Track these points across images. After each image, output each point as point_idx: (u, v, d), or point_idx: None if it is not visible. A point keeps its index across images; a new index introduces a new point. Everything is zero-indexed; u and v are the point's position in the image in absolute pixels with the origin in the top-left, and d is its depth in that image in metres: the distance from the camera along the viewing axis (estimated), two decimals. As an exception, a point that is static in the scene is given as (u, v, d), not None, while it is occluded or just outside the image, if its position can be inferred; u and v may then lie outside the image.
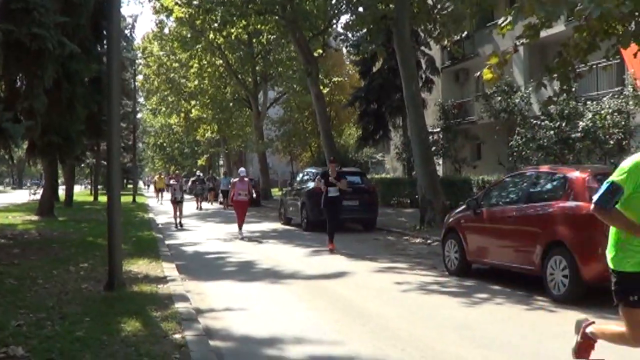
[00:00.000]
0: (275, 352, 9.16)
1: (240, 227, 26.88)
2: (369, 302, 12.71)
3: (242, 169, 29.66)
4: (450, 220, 16.67)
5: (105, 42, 21.79)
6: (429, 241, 23.13)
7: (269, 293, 13.91)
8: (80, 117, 23.60)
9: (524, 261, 13.45)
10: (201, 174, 67.00)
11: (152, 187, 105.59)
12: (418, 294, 13.72)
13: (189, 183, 68.02)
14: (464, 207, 16.07)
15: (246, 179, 28.30)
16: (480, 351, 9.02)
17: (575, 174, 12.91)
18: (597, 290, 12.70)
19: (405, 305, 12.46)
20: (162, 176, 70.74)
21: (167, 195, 60.17)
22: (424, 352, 9.00)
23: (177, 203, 32.61)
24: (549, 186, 13.72)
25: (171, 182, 35.54)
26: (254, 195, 31.21)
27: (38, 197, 44.60)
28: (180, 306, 11.35)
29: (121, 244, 13.87)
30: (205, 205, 53.49)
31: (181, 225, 32.33)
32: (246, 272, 17.19)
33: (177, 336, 9.31)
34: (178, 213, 32.60)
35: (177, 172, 35.94)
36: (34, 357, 8.11)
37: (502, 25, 15.56)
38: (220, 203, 53.33)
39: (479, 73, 17.36)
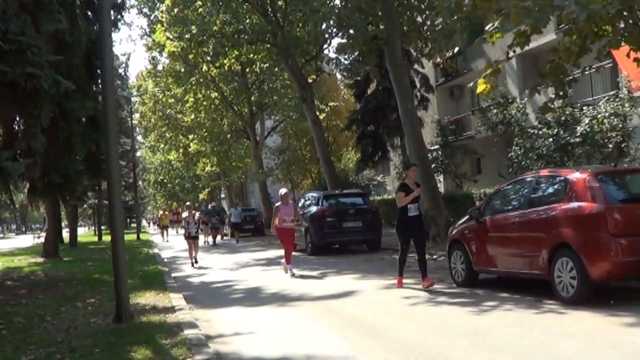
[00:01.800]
0: (287, 371, 9.14)
1: (288, 261, 21.93)
2: (378, 318, 12.68)
3: (283, 189, 24.57)
4: (454, 231, 16.68)
5: (99, 80, 21.85)
6: (434, 256, 23.08)
7: (277, 316, 13.85)
8: (79, 156, 23.62)
9: (531, 266, 13.42)
10: (216, 205, 66.64)
11: (153, 224, 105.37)
12: (427, 306, 13.69)
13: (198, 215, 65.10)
14: (467, 217, 16.08)
15: (291, 201, 24.72)
16: (493, 355, 8.98)
17: (575, 175, 12.90)
18: (605, 290, 12.72)
19: (415, 317, 12.43)
20: (167, 212, 66.86)
21: (171, 232, 60.32)
22: (436, 360, 8.97)
23: (192, 239, 28.64)
24: (550, 190, 13.71)
25: (184, 215, 30.77)
26: (302, 221, 25.87)
27: (42, 240, 44.57)
28: (189, 333, 11.31)
29: (127, 275, 13.83)
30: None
31: (197, 262, 28.48)
32: (254, 297, 17.12)
33: (188, 361, 9.28)
34: (194, 248, 28.74)
35: (188, 203, 33.91)
36: (46, 389, 8.09)
37: (490, 31, 15.61)
38: (232, 235, 50.41)
39: (472, 83, 17.41)
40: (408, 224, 16.58)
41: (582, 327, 10.32)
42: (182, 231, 31.84)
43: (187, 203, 33.30)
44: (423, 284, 16.00)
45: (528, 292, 13.66)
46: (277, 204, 23.14)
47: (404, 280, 16.97)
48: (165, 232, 60.20)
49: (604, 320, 10.69)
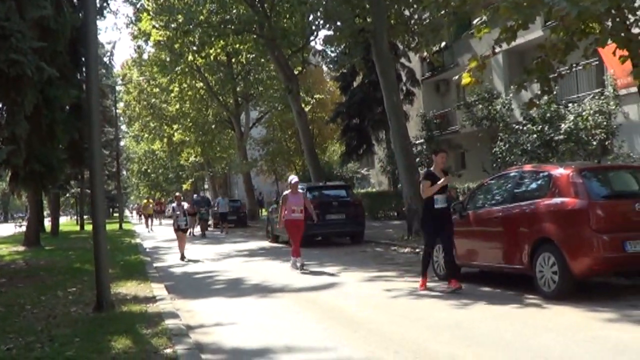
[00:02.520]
0: (266, 362, 9.11)
1: (297, 254, 20.43)
2: (359, 310, 12.68)
3: (293, 176, 22.53)
4: (438, 225, 16.64)
5: (84, 68, 21.73)
6: (417, 250, 23.07)
7: (258, 307, 13.82)
8: (62, 144, 23.53)
9: (513, 261, 13.43)
10: (205, 195, 65.83)
11: (136, 213, 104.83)
12: (408, 299, 13.68)
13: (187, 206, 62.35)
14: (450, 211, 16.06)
15: (301, 189, 22.17)
16: (474, 349, 8.98)
17: (559, 171, 12.92)
18: (587, 285, 12.76)
19: (396, 310, 12.44)
20: (151, 200, 65.62)
21: (155, 222, 60.02)
22: (417, 353, 8.95)
23: (182, 231, 26.59)
24: (533, 185, 13.72)
25: (173, 205, 28.92)
26: (313, 213, 22.05)
27: (24, 229, 44.40)
28: (170, 323, 11.27)
29: (108, 264, 13.76)
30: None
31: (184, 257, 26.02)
32: (235, 288, 17.08)
33: (168, 351, 9.26)
34: (184, 243, 26.64)
35: (178, 193, 31.99)
36: (24, 377, 8.05)
37: (478, 25, 15.62)
38: (216, 226, 49.20)
39: (457, 77, 17.40)
40: (434, 218, 14.62)
41: (563, 321, 10.33)
42: (166, 222, 31.46)
43: (177, 194, 31.24)
44: (449, 285, 14.15)
45: (510, 287, 13.68)
46: (285, 193, 21.65)
47: (387, 274, 17.00)
48: (149, 222, 58.46)
49: (585, 315, 10.71)
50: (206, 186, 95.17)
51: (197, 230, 43.43)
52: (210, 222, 48.99)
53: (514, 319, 10.92)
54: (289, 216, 20.70)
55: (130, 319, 11.78)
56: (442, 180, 14.42)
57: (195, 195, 61.00)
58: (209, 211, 46.87)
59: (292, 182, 21.18)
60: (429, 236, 14.88)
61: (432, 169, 14.92)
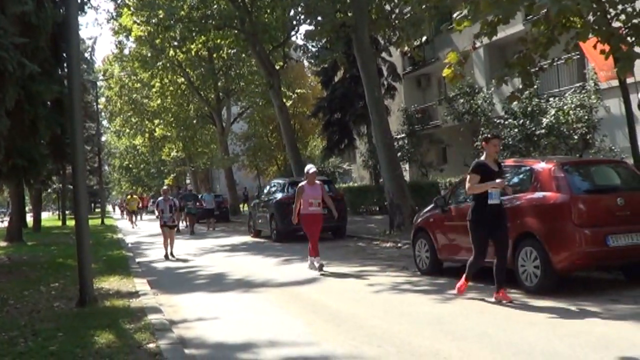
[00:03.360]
0: (250, 356, 9.10)
1: (316, 252, 18.37)
2: (342, 304, 12.70)
3: (312, 166, 19.63)
4: (420, 220, 16.67)
5: (65, 64, 21.66)
6: (399, 244, 23.18)
7: (241, 302, 13.83)
8: (44, 140, 23.48)
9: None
10: (192, 189, 64.70)
11: (119, 209, 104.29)
12: (391, 293, 13.73)
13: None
14: (432, 206, 16.09)
15: (318, 181, 19.22)
16: (457, 343, 9.01)
17: (541, 165, 12.96)
18: (568, 280, 12.82)
19: (379, 305, 12.46)
20: (135, 196, 62.10)
21: (141, 217, 59.66)
22: (400, 347, 8.98)
23: (168, 227, 24.93)
24: (515, 179, 13.70)
25: (159, 200, 26.62)
26: (333, 208, 19.11)
27: (5, 224, 44.26)
28: (153, 318, 11.29)
29: (90, 259, 13.74)
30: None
31: (173, 256, 24.62)
32: (218, 283, 17.10)
33: (151, 346, 9.27)
34: (169, 240, 24.86)
35: (165, 187, 29.69)
36: (8, 373, 8.05)
37: (458, 19, 15.68)
38: (200, 221, 45.82)
39: (442, 73, 17.48)
40: (487, 216, 11.93)
41: (545, 316, 10.38)
42: (147, 217, 30.86)
43: (165, 187, 28.91)
44: (496, 296, 11.92)
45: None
46: (301, 184, 19.02)
47: (370, 268, 17.04)
48: (134, 218, 56.15)
49: (567, 309, 10.76)
50: (188, 181, 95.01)
51: (182, 225, 41.91)
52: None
53: (497, 313, 10.96)
54: (306, 210, 18.32)
55: (114, 314, 11.80)
56: (497, 181, 11.79)
57: (181, 190, 59.83)
58: (195, 206, 43.35)
59: (310, 171, 18.74)
60: (482, 242, 12.13)
61: (482, 158, 12.25)
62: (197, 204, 43.91)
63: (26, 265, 21.59)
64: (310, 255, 18.49)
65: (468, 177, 12.12)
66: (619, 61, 15.20)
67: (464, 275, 12.62)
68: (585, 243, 11.73)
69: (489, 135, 12.48)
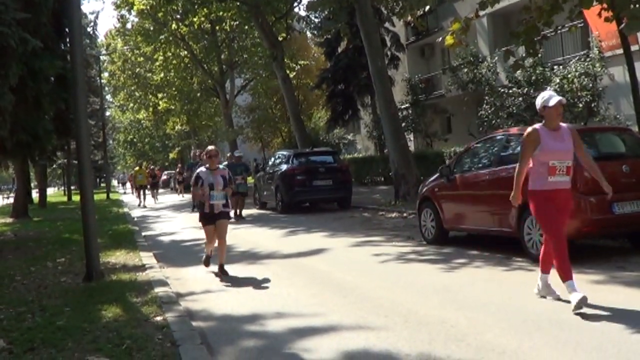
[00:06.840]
0: (257, 328, 9.10)
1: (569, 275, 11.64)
2: (348, 275, 12.72)
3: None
4: (425, 189, 16.67)
5: (68, 39, 21.60)
6: (404, 214, 23.17)
7: (247, 273, 13.82)
8: (48, 115, 23.45)
9: (501, 224, 13.48)
10: (241, 154, 62.75)
11: (122, 185, 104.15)
12: (397, 263, 13.74)
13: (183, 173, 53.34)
14: (437, 175, 16.08)
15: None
16: (464, 312, 9.01)
17: (545, 133, 12.90)
18: (574, 247, 12.80)
19: (385, 275, 12.48)
20: (142, 169, 48.74)
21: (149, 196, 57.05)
22: (407, 317, 8.98)
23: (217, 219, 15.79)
24: (520, 148, 13.69)
25: (200, 170, 13.06)
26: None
27: (11, 200, 44.29)
28: (159, 291, 11.32)
29: (96, 234, 13.77)
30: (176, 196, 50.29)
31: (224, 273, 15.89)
32: (224, 256, 17.13)
33: (159, 318, 9.29)
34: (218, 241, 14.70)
35: (212, 148, 18.40)
36: (17, 347, 8.05)
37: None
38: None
39: (440, 38, 17.39)
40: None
41: (551, 284, 10.37)
42: (162, 197, 28.09)
43: (211, 148, 18.87)
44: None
45: (498, 250, 13.72)
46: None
47: (375, 239, 17.07)
48: (142, 195, 45.72)
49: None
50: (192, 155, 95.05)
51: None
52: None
53: (503, 281, 10.98)
54: (544, 184, 9.34)
55: (120, 288, 11.81)
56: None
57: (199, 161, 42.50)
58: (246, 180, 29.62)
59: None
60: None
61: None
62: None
63: (32, 241, 21.59)
64: (541, 272, 9.92)
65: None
66: (627, 20, 15.07)
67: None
68: (590, 211, 11.75)
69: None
